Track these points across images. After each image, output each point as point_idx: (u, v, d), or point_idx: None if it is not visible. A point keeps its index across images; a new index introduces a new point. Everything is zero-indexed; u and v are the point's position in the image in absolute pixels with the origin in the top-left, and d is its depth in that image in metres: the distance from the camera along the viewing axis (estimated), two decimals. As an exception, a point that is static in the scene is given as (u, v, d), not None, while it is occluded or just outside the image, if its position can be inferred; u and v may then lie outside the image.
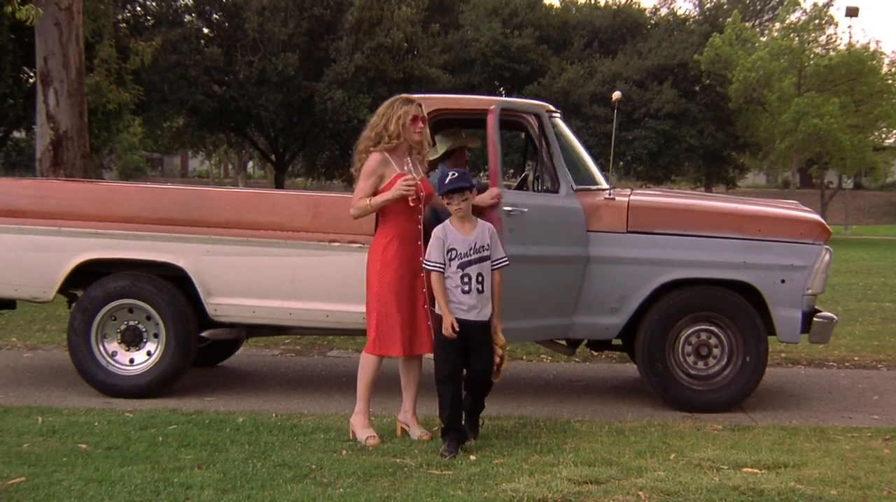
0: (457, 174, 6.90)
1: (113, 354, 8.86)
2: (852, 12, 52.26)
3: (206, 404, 8.45)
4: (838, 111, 39.60)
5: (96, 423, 7.58)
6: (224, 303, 8.71)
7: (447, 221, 6.98)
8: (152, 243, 8.71)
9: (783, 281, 8.40)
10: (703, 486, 5.99)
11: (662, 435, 7.48)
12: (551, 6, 54.06)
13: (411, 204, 6.99)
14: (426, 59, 41.19)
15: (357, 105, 37.35)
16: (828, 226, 8.71)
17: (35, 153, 18.39)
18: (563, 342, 8.95)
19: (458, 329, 6.76)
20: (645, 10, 56.94)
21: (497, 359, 7.01)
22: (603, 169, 9.41)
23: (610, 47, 51.31)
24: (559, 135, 8.72)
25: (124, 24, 30.57)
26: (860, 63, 41.73)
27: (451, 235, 6.88)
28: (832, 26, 45.44)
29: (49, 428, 7.38)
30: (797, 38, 43.39)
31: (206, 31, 41.66)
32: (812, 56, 42.52)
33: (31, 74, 26.94)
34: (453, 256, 6.85)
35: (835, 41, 45.36)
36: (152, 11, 40.15)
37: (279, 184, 44.91)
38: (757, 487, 6.00)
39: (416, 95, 7.50)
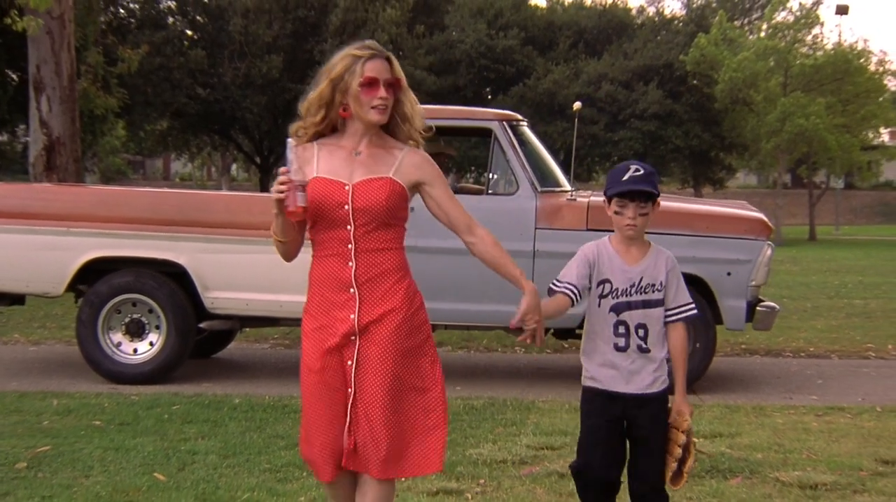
0: (640, 171, 4.50)
1: (118, 344, 9.62)
2: (842, 10, 52.64)
3: (205, 389, 9.22)
4: (824, 111, 39.82)
5: (106, 405, 8.38)
6: (220, 297, 9.49)
7: (605, 239, 4.65)
8: (154, 242, 9.46)
9: (729, 273, 9.23)
10: (643, 452, 6.83)
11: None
12: (537, 7, 54.17)
13: (291, 217, 4.08)
14: (411, 61, 41.57)
15: (343, 107, 37.97)
16: (769, 224, 9.57)
17: (28, 157, 19.11)
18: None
19: (528, 325, 4.17)
20: (631, 10, 57.07)
21: (676, 455, 4.65)
22: (566, 171, 10.26)
23: (595, 48, 51.26)
24: (524, 143, 9.58)
25: (105, 27, 31.08)
26: (846, 62, 41.93)
27: (608, 260, 4.57)
28: (818, 26, 45.66)
29: (64, 408, 8.18)
30: (783, 39, 43.55)
31: (189, 33, 42.10)
32: (798, 56, 42.70)
33: (15, 77, 27.63)
34: (606, 291, 4.54)
35: (821, 41, 45.53)
36: (136, 14, 40.73)
37: (264, 187, 44.54)
38: (691, 452, 6.83)
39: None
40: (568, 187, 9.66)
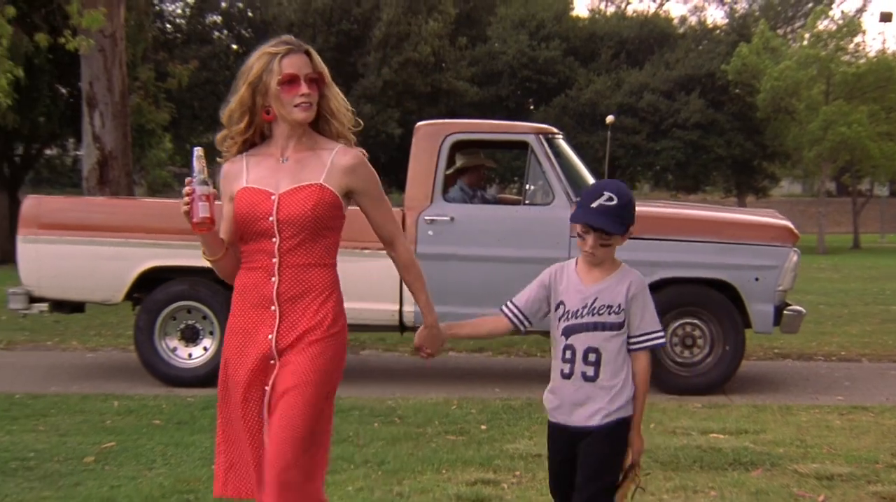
0: (614, 201, 4.08)
1: (174, 349, 10.13)
2: (886, 17, 52.35)
3: (256, 391, 9.68)
4: (866, 119, 39.61)
5: (164, 405, 8.87)
6: (269, 303, 9.95)
7: (573, 260, 4.28)
8: (207, 252, 9.96)
9: (757, 279, 9.62)
10: (671, 446, 7.25)
11: (648, 410, 8.48)
12: (578, 18, 54.33)
13: (196, 230, 3.86)
14: (454, 73, 42.07)
15: (385, 119, 38.37)
16: (796, 231, 9.93)
17: (81, 171, 19.71)
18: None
19: (429, 352, 4.34)
20: (672, 19, 57.11)
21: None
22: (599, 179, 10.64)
23: (637, 58, 51.05)
24: (559, 155, 10.00)
25: (152, 42, 31.77)
26: (889, 70, 41.54)
27: (566, 281, 4.19)
28: (861, 34, 45.14)
29: (125, 409, 8.68)
30: (825, 47, 43.15)
31: (235, 47, 42.70)
32: (840, 64, 42.34)
33: (65, 93, 28.31)
34: (560, 313, 4.18)
35: (864, 49, 45.06)
36: (182, 29, 41.41)
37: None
38: (716, 447, 7.26)
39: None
40: (602, 197, 10.08)
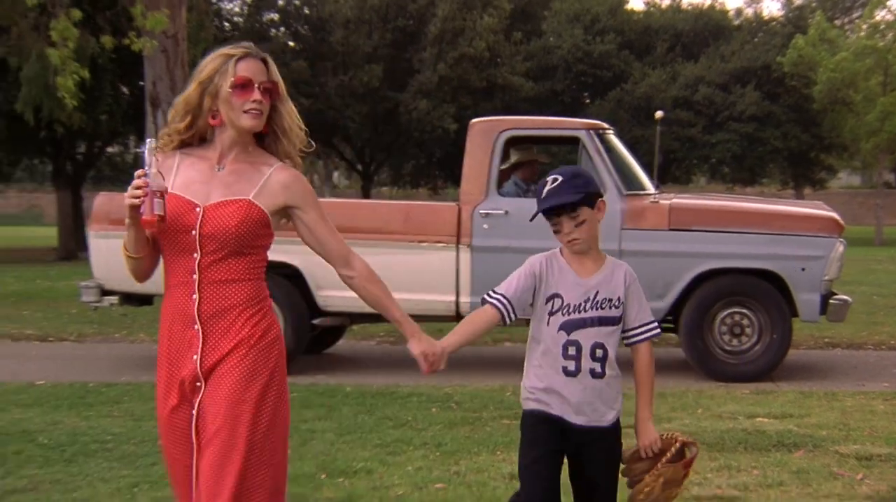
0: (559, 180, 3.91)
1: (234, 339, 10.49)
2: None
3: (319, 379, 10.02)
4: (923, 111, 39.50)
5: (230, 393, 9.24)
6: (331, 295, 10.27)
7: (556, 251, 4.06)
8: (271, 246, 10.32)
9: (803, 269, 9.85)
10: (718, 429, 7.53)
11: (697, 397, 8.96)
12: (633, 11, 54.36)
13: (144, 226, 3.56)
14: (509, 68, 42.32)
15: (441, 114, 38.66)
16: (841, 222, 10.14)
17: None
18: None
19: (437, 366, 4.07)
20: (728, 12, 56.96)
21: (646, 492, 3.96)
22: (650, 176, 10.89)
23: (692, 51, 51.09)
24: (610, 149, 10.28)
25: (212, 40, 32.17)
26: (946, 61, 41.39)
27: (559, 273, 3.98)
28: None
29: (194, 396, 9.06)
30: (882, 38, 42.79)
31: (292, 45, 43.14)
32: None
33: (126, 91, 28.83)
34: (555, 307, 3.95)
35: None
36: (239, 27, 41.91)
37: (366, 194, 45.88)
38: (761, 429, 7.52)
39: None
40: (652, 190, 10.35)
